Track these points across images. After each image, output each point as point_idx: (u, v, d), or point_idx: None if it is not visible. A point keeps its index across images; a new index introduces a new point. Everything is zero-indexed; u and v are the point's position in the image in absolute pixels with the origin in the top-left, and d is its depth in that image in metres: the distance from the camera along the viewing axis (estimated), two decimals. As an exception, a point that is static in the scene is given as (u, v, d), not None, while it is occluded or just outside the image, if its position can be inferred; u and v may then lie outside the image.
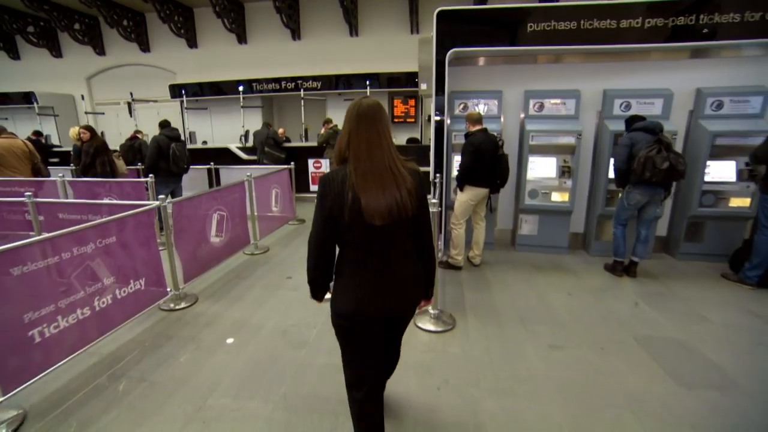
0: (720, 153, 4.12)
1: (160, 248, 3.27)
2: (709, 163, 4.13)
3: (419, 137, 9.97)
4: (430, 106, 9.77)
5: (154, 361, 2.65)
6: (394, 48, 9.78)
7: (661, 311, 3.29)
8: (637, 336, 2.91)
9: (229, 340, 2.89)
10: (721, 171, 4.17)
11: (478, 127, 3.94)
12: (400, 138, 9.70)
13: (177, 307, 3.36)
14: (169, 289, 3.37)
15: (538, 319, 3.21)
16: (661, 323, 3.10)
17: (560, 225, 4.66)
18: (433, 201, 2.85)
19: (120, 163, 5.68)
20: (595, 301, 3.51)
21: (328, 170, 1.59)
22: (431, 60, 4.54)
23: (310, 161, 4.27)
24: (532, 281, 3.96)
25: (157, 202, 3.20)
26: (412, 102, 10.19)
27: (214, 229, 4.02)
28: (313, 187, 4.30)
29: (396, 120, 10.28)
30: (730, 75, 4.18)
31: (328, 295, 1.61)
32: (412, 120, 10.30)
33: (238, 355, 2.70)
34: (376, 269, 1.47)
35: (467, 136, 4.00)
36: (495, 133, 4.06)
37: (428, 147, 8.16)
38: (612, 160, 4.21)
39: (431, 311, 3.11)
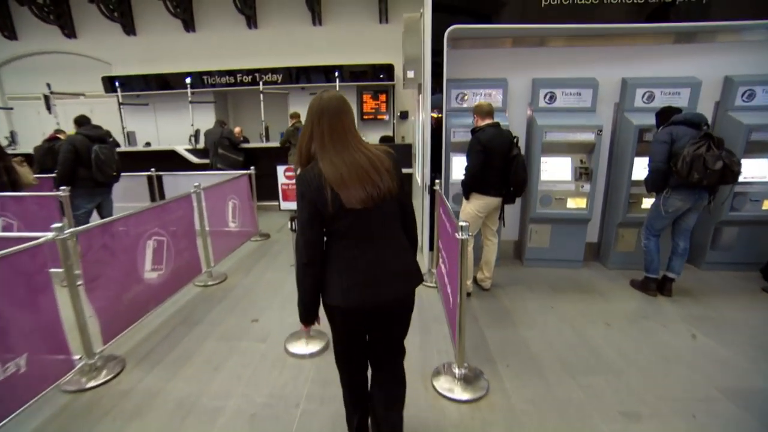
0: (752, 149, 3.63)
1: (61, 285, 2.21)
2: (741, 161, 3.63)
3: (392, 135, 9.18)
4: (406, 101, 9.17)
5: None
6: (361, 38, 9.02)
7: (726, 346, 2.68)
8: (722, 388, 2.26)
9: (168, 444, 1.92)
10: (753, 170, 3.69)
11: (488, 121, 3.19)
12: (371, 137, 8.82)
13: (90, 385, 2.30)
14: (77, 358, 2.32)
15: (586, 366, 2.50)
16: (738, 365, 2.48)
17: (576, 235, 4.01)
18: (463, 224, 2.03)
19: (24, 171, 4.40)
20: (641, 335, 2.86)
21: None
22: (419, 44, 3.77)
23: (280, 169, 3.33)
24: (557, 308, 3.26)
25: (51, 234, 2.14)
26: (383, 97, 9.33)
27: (149, 262, 2.98)
28: (284, 204, 3.37)
29: (366, 117, 9.37)
30: (761, 60, 3.70)
31: (316, 325, 1.55)
32: (384, 117, 9.44)
33: (180, 475, 1.75)
34: (362, 256, 1.40)
35: (474, 132, 3.24)
36: (508, 129, 3.33)
37: (409, 146, 7.47)
38: (638, 160, 3.62)
39: (456, 371, 2.30)
